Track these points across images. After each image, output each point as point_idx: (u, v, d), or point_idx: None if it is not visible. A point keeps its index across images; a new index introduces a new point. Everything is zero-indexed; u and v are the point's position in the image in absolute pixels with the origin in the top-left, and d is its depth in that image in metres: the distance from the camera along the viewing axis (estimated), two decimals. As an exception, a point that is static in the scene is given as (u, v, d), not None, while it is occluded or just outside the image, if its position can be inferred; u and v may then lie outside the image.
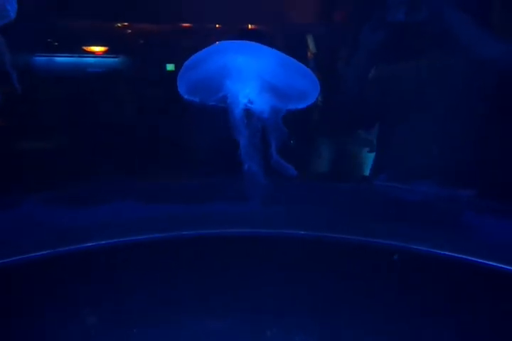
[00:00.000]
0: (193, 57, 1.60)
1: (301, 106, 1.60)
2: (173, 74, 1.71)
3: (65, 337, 1.42)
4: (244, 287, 1.65)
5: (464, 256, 1.87)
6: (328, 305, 1.58)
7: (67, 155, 2.37)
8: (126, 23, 2.64)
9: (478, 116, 2.20)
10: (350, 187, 2.45)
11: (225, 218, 2.15)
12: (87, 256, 1.90)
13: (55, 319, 1.47)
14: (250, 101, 1.55)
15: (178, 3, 2.41)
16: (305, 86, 1.60)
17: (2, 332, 1.41)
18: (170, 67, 2.55)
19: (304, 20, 2.62)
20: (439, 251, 1.91)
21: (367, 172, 2.61)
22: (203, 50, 1.59)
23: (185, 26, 2.65)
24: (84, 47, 2.56)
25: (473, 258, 1.85)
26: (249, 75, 1.55)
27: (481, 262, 1.83)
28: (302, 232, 2.09)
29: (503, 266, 1.80)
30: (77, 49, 2.55)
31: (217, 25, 2.55)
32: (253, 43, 1.57)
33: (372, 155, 2.57)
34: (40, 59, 2.49)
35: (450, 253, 1.89)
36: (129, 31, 2.68)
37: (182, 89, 1.60)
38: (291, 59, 1.59)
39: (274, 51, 1.57)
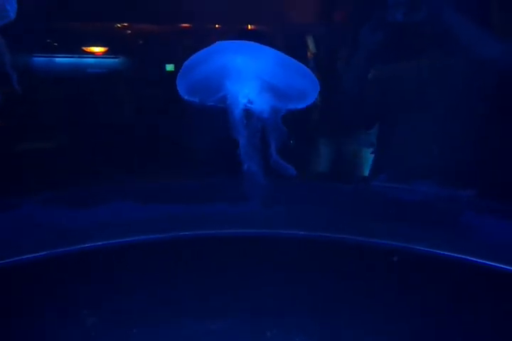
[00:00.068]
0: (192, 58, 1.59)
1: (300, 106, 1.60)
2: (173, 74, 1.71)
3: (64, 337, 1.42)
4: (245, 287, 1.65)
5: (463, 256, 1.87)
6: (328, 305, 1.57)
7: (66, 155, 2.37)
8: (126, 24, 2.65)
9: (478, 116, 2.20)
10: (350, 187, 2.45)
11: (225, 218, 2.15)
12: (87, 257, 1.90)
13: (54, 319, 1.46)
14: (250, 101, 1.55)
15: (178, 3, 2.41)
16: (305, 86, 1.60)
17: (2, 332, 1.41)
18: (169, 67, 2.56)
19: (303, 20, 2.62)
20: (439, 251, 1.91)
21: (367, 172, 2.61)
22: (203, 50, 1.58)
23: (185, 26, 2.66)
24: (84, 48, 2.57)
25: (473, 258, 1.85)
26: (249, 75, 1.55)
27: (481, 262, 1.83)
28: (302, 232, 2.08)
29: (503, 266, 1.80)
30: (76, 49, 2.56)
31: (216, 26, 2.55)
32: (253, 43, 1.57)
33: (372, 156, 2.57)
34: (40, 59, 2.50)
35: (450, 253, 1.89)
36: (129, 32, 2.69)
37: (181, 89, 1.60)
38: (291, 59, 1.58)
39: (274, 51, 1.57)
